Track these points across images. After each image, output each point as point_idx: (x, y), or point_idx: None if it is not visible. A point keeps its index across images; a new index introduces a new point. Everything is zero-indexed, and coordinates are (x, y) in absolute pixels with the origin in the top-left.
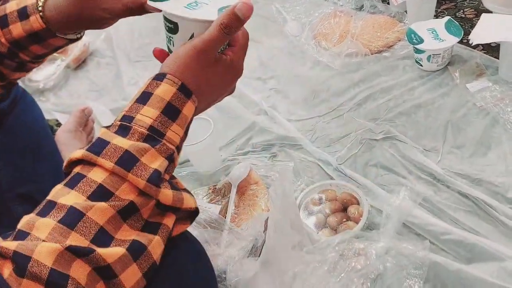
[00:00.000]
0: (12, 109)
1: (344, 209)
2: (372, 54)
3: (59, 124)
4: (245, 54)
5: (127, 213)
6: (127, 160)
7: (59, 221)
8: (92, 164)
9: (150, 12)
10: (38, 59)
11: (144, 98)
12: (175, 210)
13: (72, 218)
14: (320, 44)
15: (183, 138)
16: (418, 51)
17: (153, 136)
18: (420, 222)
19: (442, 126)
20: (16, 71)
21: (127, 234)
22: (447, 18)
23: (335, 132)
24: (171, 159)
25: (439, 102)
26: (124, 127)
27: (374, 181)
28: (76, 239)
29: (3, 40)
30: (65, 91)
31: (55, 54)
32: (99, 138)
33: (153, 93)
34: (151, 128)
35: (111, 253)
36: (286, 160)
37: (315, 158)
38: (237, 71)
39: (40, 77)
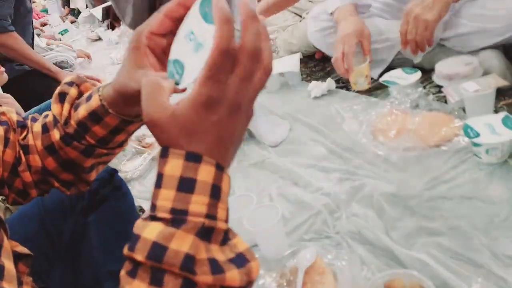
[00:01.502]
0: (112, 195)
1: None
2: (430, 148)
3: (142, 210)
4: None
5: None
6: (157, 251)
7: None
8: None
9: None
10: (104, 144)
11: (158, 181)
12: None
13: None
14: (378, 139)
15: (211, 203)
16: (475, 145)
17: (177, 217)
18: None
19: (510, 218)
20: (87, 156)
21: None
22: (503, 113)
23: (401, 222)
24: (204, 232)
25: (504, 195)
26: (152, 217)
27: (442, 269)
28: None
29: (72, 122)
30: (150, 180)
31: (142, 148)
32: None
33: (163, 174)
34: (172, 210)
35: None
36: (350, 248)
37: (379, 247)
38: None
39: (128, 168)
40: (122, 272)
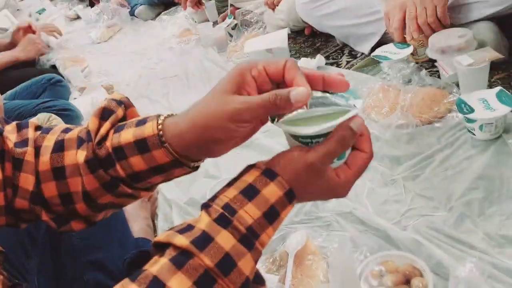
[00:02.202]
0: None
1: (407, 281)
2: (423, 125)
3: None
4: (357, 179)
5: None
6: (227, 264)
7: None
8: (192, 255)
9: None
10: (134, 182)
11: (249, 192)
12: None
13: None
14: (370, 117)
15: (271, 237)
16: (469, 120)
17: (250, 238)
18: None
19: (503, 195)
20: (107, 191)
21: None
22: (498, 88)
23: (391, 199)
24: (257, 257)
25: (497, 171)
26: (225, 218)
27: (436, 248)
28: None
29: (108, 144)
30: None
31: None
32: (204, 231)
33: (260, 191)
34: (250, 228)
35: None
36: (341, 230)
37: (371, 227)
38: (341, 192)
39: None
40: (165, 259)
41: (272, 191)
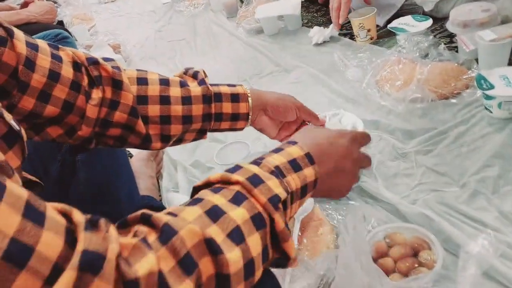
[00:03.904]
0: None
1: (415, 254)
2: (438, 100)
3: (130, 155)
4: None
5: (258, 222)
6: (255, 180)
7: (205, 212)
8: (227, 180)
9: None
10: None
11: (275, 150)
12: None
13: (216, 214)
14: (383, 89)
15: (298, 193)
16: (488, 97)
17: (276, 173)
18: (505, 271)
19: None
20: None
21: (255, 243)
22: None
23: (401, 173)
24: (289, 195)
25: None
26: (254, 163)
27: (446, 224)
28: (215, 232)
29: (213, 110)
30: None
31: None
32: (235, 165)
33: (283, 149)
34: (276, 167)
35: (235, 260)
36: (350, 200)
37: (380, 200)
38: (354, 161)
39: None
40: (203, 190)
41: (294, 150)
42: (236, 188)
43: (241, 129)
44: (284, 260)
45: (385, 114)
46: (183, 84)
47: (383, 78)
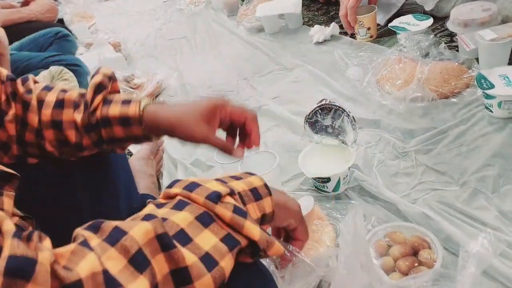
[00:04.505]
0: None
1: (414, 253)
2: (439, 99)
3: (129, 153)
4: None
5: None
6: (192, 186)
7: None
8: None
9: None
10: (112, 143)
11: (236, 178)
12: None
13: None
14: (384, 88)
15: (258, 222)
16: (488, 96)
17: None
18: (504, 270)
19: None
20: (95, 146)
21: (206, 238)
22: None
23: (401, 172)
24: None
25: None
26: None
27: (446, 223)
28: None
29: (98, 113)
30: None
31: (130, 88)
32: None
33: (244, 178)
34: (239, 193)
35: (189, 255)
36: (350, 199)
37: (380, 199)
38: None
39: None
40: (151, 207)
41: (254, 179)
42: (177, 198)
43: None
44: (254, 246)
45: (385, 113)
46: (75, 107)
47: (384, 77)
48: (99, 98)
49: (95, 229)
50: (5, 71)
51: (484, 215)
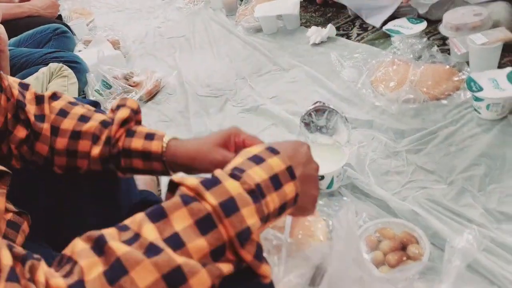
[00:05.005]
0: None
1: (403, 248)
2: (430, 101)
3: None
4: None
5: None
6: (230, 205)
7: (164, 240)
8: (200, 196)
9: None
10: (127, 171)
11: (256, 159)
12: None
13: (176, 241)
14: (377, 90)
15: (275, 213)
16: (477, 99)
17: (256, 194)
18: (487, 265)
19: (504, 174)
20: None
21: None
22: (509, 69)
23: (393, 171)
24: (264, 222)
25: (500, 150)
26: (235, 175)
27: (434, 219)
28: (176, 260)
29: (120, 144)
30: None
31: (129, 86)
32: (214, 176)
33: (265, 160)
34: (258, 185)
35: (201, 282)
36: (342, 196)
37: (371, 197)
38: (316, 167)
39: None
40: (174, 198)
41: (276, 163)
42: (208, 208)
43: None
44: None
45: (378, 114)
46: (94, 139)
47: (378, 79)
48: (121, 131)
49: (100, 250)
50: (11, 80)
51: (470, 212)
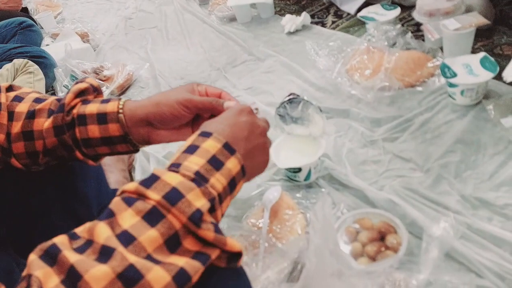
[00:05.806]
0: None
1: (382, 238)
2: (405, 88)
3: None
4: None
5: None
6: (174, 195)
7: (116, 236)
8: (142, 196)
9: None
10: (85, 146)
11: (191, 149)
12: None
13: (127, 238)
14: (353, 78)
15: (226, 190)
16: (451, 85)
17: (198, 180)
18: (464, 252)
19: (479, 159)
20: (65, 151)
21: (174, 259)
22: (482, 54)
23: (370, 160)
24: (212, 203)
25: (474, 136)
26: (173, 169)
27: (411, 208)
28: (128, 259)
29: (75, 111)
30: None
31: (100, 81)
32: (152, 174)
33: (199, 146)
34: (197, 173)
35: (158, 279)
36: (320, 187)
37: (348, 187)
38: (262, 131)
39: None
40: (116, 198)
41: (210, 145)
42: (152, 203)
43: (131, 152)
44: (233, 257)
45: (354, 102)
46: (49, 114)
47: (353, 67)
48: (76, 100)
49: (52, 260)
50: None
51: (446, 199)
